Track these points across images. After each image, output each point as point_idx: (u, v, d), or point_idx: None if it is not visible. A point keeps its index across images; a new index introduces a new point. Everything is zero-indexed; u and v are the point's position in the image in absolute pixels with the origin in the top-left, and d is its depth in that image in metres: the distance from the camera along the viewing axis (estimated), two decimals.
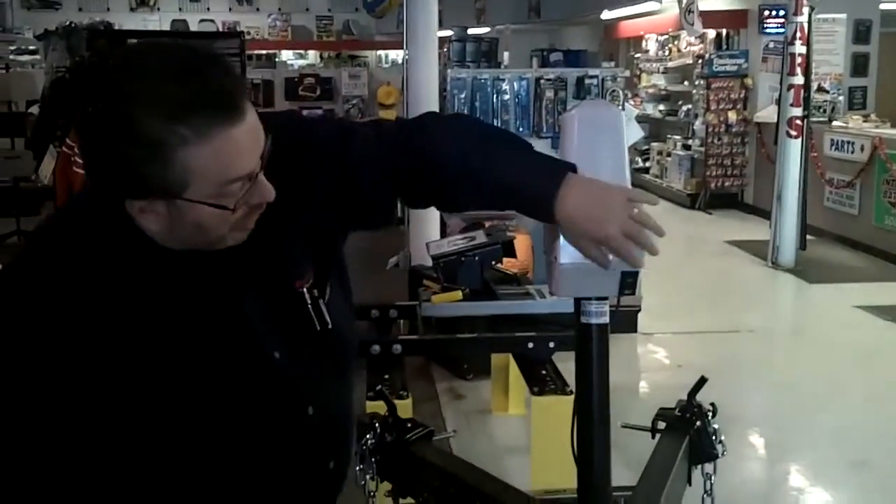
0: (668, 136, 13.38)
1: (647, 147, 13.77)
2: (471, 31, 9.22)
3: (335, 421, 1.58)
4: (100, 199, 1.32)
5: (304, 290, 1.46)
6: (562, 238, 1.47)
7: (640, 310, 6.26)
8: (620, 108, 6.60)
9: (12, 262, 1.36)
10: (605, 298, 1.53)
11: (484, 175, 1.48)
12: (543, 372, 3.56)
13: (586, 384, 1.57)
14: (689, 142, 12.55)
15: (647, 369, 5.92)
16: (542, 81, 6.37)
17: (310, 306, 1.46)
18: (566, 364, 3.45)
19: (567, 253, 1.47)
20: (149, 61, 1.25)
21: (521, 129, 6.33)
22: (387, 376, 3.40)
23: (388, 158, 1.52)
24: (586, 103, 1.62)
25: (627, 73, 6.74)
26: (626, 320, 6.19)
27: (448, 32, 8.23)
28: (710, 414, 1.98)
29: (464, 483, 1.78)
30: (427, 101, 5.92)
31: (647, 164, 13.75)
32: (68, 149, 6.10)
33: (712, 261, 9.13)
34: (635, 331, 6.30)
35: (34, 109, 9.00)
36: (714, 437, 1.98)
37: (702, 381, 2.03)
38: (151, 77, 1.22)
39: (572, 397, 3.27)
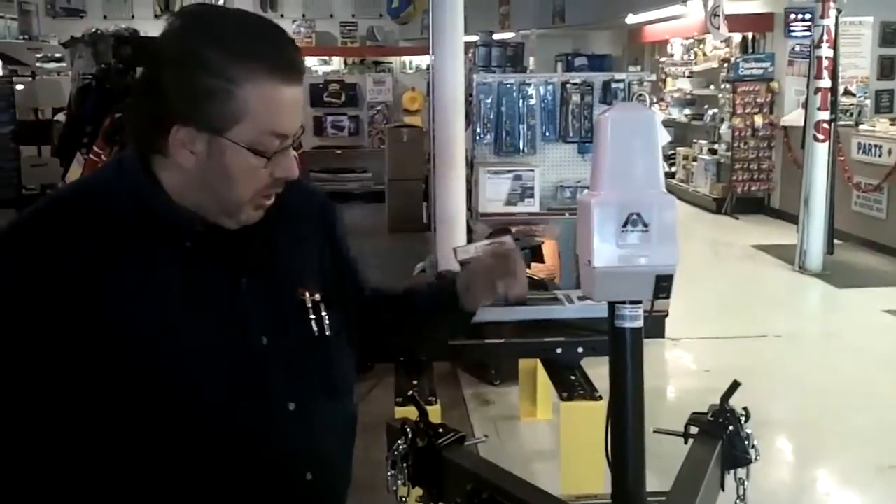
0: (694, 140, 13.33)
1: (672, 152, 13.72)
2: (496, 36, 9.20)
3: (316, 424, 1.52)
4: (124, 161, 1.43)
5: (307, 296, 1.52)
6: (596, 241, 1.46)
7: (667, 315, 6.23)
8: None
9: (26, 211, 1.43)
10: (639, 302, 1.52)
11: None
12: (572, 377, 3.53)
13: (621, 388, 1.56)
14: (716, 146, 12.49)
15: (676, 374, 5.90)
16: (568, 86, 6.36)
17: (310, 309, 1.51)
18: (594, 370, 3.44)
19: (602, 257, 1.46)
20: (228, 13, 1.41)
21: (547, 134, 6.33)
22: (415, 382, 3.39)
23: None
24: (620, 105, 1.61)
25: (654, 77, 6.71)
26: (653, 325, 6.14)
27: (474, 38, 8.23)
28: (744, 419, 1.96)
29: (497, 487, 1.77)
30: (453, 106, 5.90)
31: (673, 169, 13.69)
32: (95, 156, 6.14)
33: (739, 266, 9.09)
34: (663, 336, 6.27)
35: (60, 117, 9.06)
36: (747, 442, 1.95)
37: (735, 386, 2.00)
38: (231, 24, 1.36)
39: (601, 403, 3.29)
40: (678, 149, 13.62)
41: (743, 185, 11.76)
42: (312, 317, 1.51)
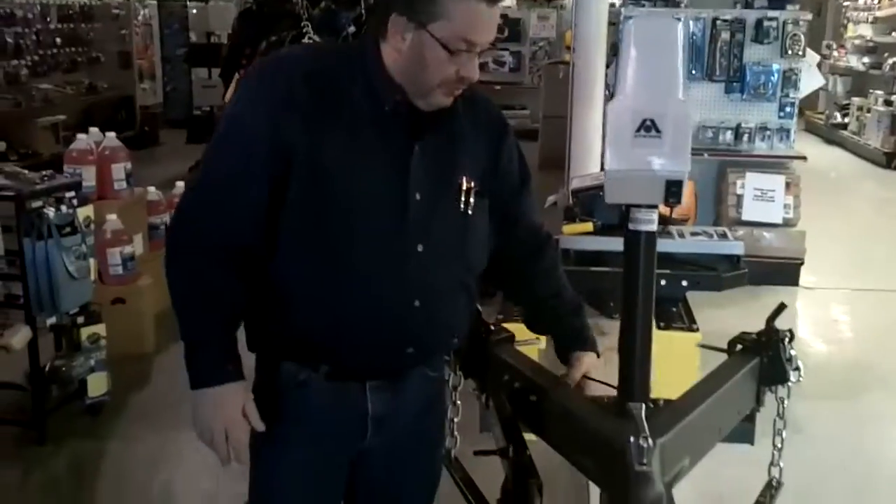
0: (871, 90, 12.66)
1: (847, 102, 13.10)
2: None
3: (435, 267, 1.83)
4: (363, 40, 1.89)
5: (463, 180, 1.85)
6: (609, 145, 1.53)
7: (802, 263, 6.07)
8: (801, 54, 6.31)
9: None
10: (655, 206, 1.57)
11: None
12: (674, 309, 3.55)
13: (632, 289, 1.63)
14: (893, 97, 11.83)
15: (803, 323, 5.71)
16: (718, 22, 6.21)
17: (462, 191, 1.85)
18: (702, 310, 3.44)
19: (614, 160, 1.53)
20: None
21: (693, 72, 6.21)
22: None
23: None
24: (646, 13, 1.65)
25: (810, 17, 6.40)
26: (786, 272, 6.02)
27: None
28: (787, 339, 1.99)
29: (527, 378, 1.89)
30: (595, 40, 5.87)
31: (846, 120, 13.07)
32: None
33: None
34: (797, 284, 6.12)
35: None
36: (790, 363, 1.98)
37: (780, 308, 2.04)
38: None
39: (698, 335, 3.30)
40: (853, 99, 12.99)
41: None
42: (462, 198, 1.85)
